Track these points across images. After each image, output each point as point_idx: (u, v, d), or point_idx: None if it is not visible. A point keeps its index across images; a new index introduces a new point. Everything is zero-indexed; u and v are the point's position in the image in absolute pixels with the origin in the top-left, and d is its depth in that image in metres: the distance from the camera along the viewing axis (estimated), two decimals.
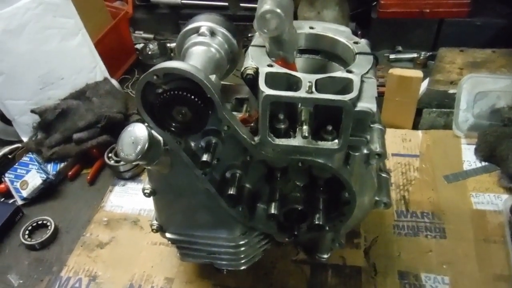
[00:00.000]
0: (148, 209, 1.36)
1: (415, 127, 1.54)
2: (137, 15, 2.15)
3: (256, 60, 0.88)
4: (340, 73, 0.83)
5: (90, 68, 1.63)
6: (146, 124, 0.85)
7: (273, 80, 0.83)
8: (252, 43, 0.93)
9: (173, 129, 0.84)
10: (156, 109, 0.82)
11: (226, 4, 1.92)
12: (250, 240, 1.06)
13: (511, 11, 1.75)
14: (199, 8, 2.05)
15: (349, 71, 0.84)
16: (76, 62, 1.59)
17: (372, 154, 0.89)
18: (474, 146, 1.42)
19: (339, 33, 0.97)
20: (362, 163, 0.92)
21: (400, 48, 1.89)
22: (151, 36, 2.11)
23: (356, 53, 0.89)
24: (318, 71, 1.02)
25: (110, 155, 1.51)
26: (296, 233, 0.98)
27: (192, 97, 0.79)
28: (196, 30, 0.97)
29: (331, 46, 0.96)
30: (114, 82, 1.67)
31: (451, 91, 1.52)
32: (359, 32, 1.96)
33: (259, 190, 1.00)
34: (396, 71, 1.42)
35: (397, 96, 1.44)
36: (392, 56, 1.87)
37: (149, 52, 1.86)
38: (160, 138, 0.87)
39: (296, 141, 0.83)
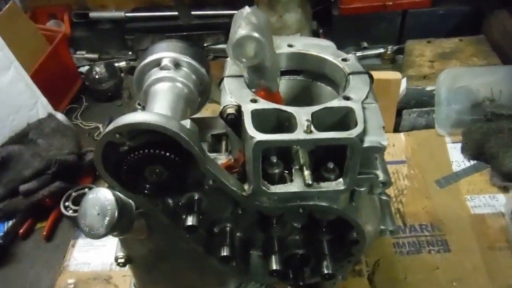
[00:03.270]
0: None
1: (396, 129, 1.46)
2: (77, 34, 1.94)
3: (236, 94, 0.74)
4: (337, 102, 0.71)
5: (29, 105, 1.42)
6: (109, 187, 0.69)
7: (259, 118, 0.69)
8: (227, 73, 0.79)
9: (147, 191, 0.69)
10: (123, 172, 0.66)
11: (176, 13, 1.76)
12: None
13: None
14: (145, 20, 1.87)
15: (347, 98, 0.72)
16: (12, 100, 1.38)
17: (376, 183, 0.78)
18: (459, 145, 1.37)
19: (323, 49, 0.85)
20: (366, 193, 0.81)
21: (365, 44, 1.81)
22: (95, 56, 1.91)
23: (349, 74, 0.77)
24: (301, 94, 0.90)
25: (67, 203, 1.30)
26: (301, 283, 0.85)
27: (167, 154, 0.64)
28: (157, 63, 0.82)
29: (317, 66, 0.84)
30: (60, 116, 1.47)
31: (428, 88, 1.45)
32: (321, 31, 1.87)
33: (251, 237, 0.87)
34: (373, 74, 1.32)
35: None
36: (358, 53, 1.78)
37: (96, 76, 1.67)
38: (131, 201, 0.71)
39: (295, 187, 0.71)
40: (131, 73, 1.71)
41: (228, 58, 0.83)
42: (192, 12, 1.77)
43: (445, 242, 1.15)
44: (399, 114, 1.45)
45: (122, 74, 1.76)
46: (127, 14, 1.85)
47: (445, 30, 1.74)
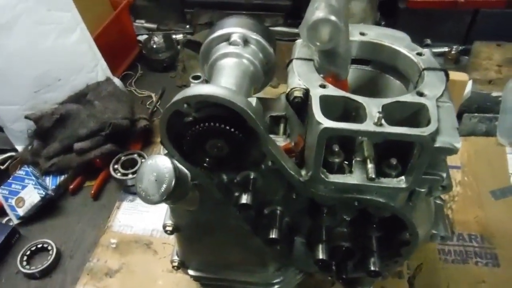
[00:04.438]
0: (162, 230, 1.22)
1: None
2: (138, 2, 1.97)
3: (304, 78, 0.72)
4: (410, 97, 0.68)
5: (90, 67, 1.46)
6: (168, 155, 0.70)
7: (327, 104, 0.67)
8: (296, 54, 0.77)
9: (205, 164, 0.69)
10: (186, 142, 0.67)
11: None
12: (285, 276, 0.93)
13: None
14: None
15: (420, 94, 0.69)
16: (75, 61, 1.42)
17: (437, 185, 0.75)
18: None
19: (397, 40, 0.81)
20: (424, 195, 0.78)
21: (429, 41, 1.73)
22: (154, 26, 1.93)
23: (423, 69, 0.74)
24: (368, 84, 0.87)
25: (116, 166, 1.36)
26: (344, 275, 0.84)
27: (231, 129, 0.64)
28: (226, 38, 0.81)
29: (390, 58, 0.81)
30: (117, 81, 1.51)
31: (494, 93, 1.37)
32: (383, 23, 1.80)
33: (298, 222, 0.86)
34: None
35: None
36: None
37: (154, 46, 1.69)
38: (187, 172, 0.72)
39: (354, 179, 0.69)
40: (187, 46, 1.72)
41: (298, 40, 0.82)
42: None
43: (494, 256, 1.10)
44: (459, 117, 1.39)
45: (179, 47, 1.76)
46: None
47: None
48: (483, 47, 1.61)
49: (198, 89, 0.63)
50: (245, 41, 0.80)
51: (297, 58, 0.76)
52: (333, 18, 0.67)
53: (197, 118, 0.65)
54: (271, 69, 0.85)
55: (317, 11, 0.68)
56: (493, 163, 1.30)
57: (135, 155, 1.39)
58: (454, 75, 1.28)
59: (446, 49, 1.70)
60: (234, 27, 0.81)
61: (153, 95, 1.63)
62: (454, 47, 1.68)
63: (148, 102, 1.62)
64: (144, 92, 1.65)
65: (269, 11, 1.81)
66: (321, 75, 0.74)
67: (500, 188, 1.24)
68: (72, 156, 1.36)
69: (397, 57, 0.80)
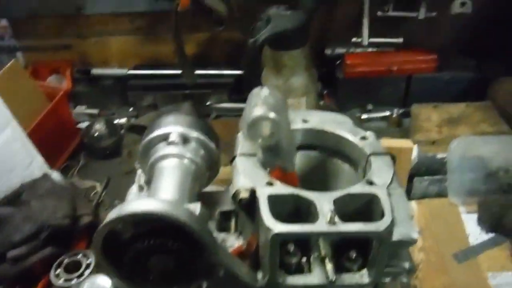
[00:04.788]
0: None
1: (407, 198, 1.39)
2: (78, 88, 1.92)
3: (250, 176, 0.69)
4: (360, 188, 0.66)
5: (24, 165, 1.36)
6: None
7: (276, 203, 0.64)
8: (239, 150, 0.74)
9: (151, 282, 0.62)
10: (125, 262, 0.60)
11: (179, 72, 1.74)
12: None
13: (477, 63, 1.70)
14: (147, 77, 1.85)
15: (370, 182, 0.67)
16: (6, 160, 1.32)
17: (399, 271, 0.72)
18: (474, 215, 1.31)
19: (339, 125, 0.82)
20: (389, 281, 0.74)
21: (370, 106, 1.79)
22: (95, 111, 1.87)
23: (369, 154, 0.73)
24: (316, 169, 0.86)
25: (58, 271, 1.23)
26: None
27: (175, 243, 0.58)
28: (164, 137, 0.77)
29: (335, 143, 0.80)
30: (56, 176, 1.41)
31: (439, 155, 1.41)
32: (325, 92, 1.85)
33: None
34: (383, 142, 1.28)
35: None
36: (364, 116, 1.77)
37: (96, 134, 1.63)
38: None
39: (315, 278, 0.65)
40: (131, 130, 1.67)
41: (240, 134, 0.79)
42: (196, 72, 1.75)
43: None
44: (409, 181, 1.41)
45: (122, 131, 1.71)
46: (130, 72, 1.83)
47: (450, 95, 1.74)
48: (421, 109, 1.68)
49: (132, 206, 0.58)
50: (185, 140, 0.77)
51: (240, 154, 0.73)
52: (271, 115, 0.66)
53: (135, 234, 0.59)
54: (215, 164, 0.82)
55: (255, 109, 0.67)
56: (450, 224, 1.31)
57: (80, 256, 1.27)
58: (400, 142, 1.31)
59: (387, 113, 1.76)
60: (172, 126, 0.78)
61: (97, 185, 1.54)
62: (395, 110, 1.75)
63: (93, 193, 1.52)
64: (88, 182, 1.56)
65: (213, 89, 1.82)
66: (267, 169, 0.71)
67: (462, 251, 1.23)
68: (6, 266, 1.21)
69: (342, 143, 0.79)
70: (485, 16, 1.51)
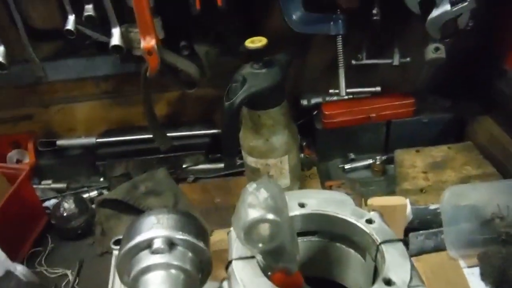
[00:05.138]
0: None
1: None
2: (42, 162, 1.79)
3: (250, 285, 0.59)
4: None
5: None
6: None
7: None
8: (234, 253, 0.66)
9: None
10: None
11: (151, 136, 1.65)
12: None
13: (453, 104, 1.70)
14: (117, 145, 1.74)
15: (388, 281, 0.59)
16: None
17: None
18: (477, 269, 1.24)
19: (340, 206, 0.75)
20: None
21: (352, 155, 1.75)
22: (63, 185, 1.74)
23: (380, 243, 0.65)
24: (318, 255, 0.78)
25: None
26: None
27: None
28: (147, 245, 0.67)
29: (338, 228, 0.72)
30: (20, 270, 1.26)
31: (432, 206, 1.36)
32: (304, 143, 1.80)
33: None
34: (375, 201, 1.23)
35: None
36: (347, 166, 1.71)
37: (64, 214, 1.49)
38: None
39: None
40: (103, 205, 1.55)
41: (232, 233, 0.71)
42: (169, 134, 1.66)
43: None
44: (404, 235, 1.34)
45: (93, 206, 1.58)
46: (99, 140, 1.72)
47: (430, 137, 1.72)
48: (404, 155, 1.65)
49: None
50: (170, 244, 0.67)
51: (236, 259, 0.64)
52: (271, 216, 0.58)
53: None
54: (206, 265, 0.72)
55: (251, 211, 0.58)
56: (453, 281, 1.24)
57: None
58: (393, 200, 1.26)
59: (370, 161, 1.71)
60: (155, 230, 0.68)
61: (68, 272, 1.40)
62: (378, 157, 1.71)
63: (64, 283, 1.37)
64: (58, 270, 1.41)
65: (189, 151, 1.73)
66: (269, 273, 0.62)
67: None
68: None
69: (346, 227, 0.72)
70: (458, 56, 1.50)
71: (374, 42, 1.56)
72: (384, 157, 1.71)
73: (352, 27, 1.49)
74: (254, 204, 0.59)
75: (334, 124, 1.67)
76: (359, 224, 0.70)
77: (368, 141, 1.74)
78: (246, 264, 0.64)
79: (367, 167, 1.72)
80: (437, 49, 1.37)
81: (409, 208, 1.28)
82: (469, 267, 1.27)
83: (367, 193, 1.59)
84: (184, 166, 1.74)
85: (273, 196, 0.59)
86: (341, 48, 1.47)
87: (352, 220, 0.71)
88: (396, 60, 1.53)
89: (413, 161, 1.61)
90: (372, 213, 0.72)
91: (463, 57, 1.61)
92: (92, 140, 1.73)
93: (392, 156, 1.69)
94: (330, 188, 1.61)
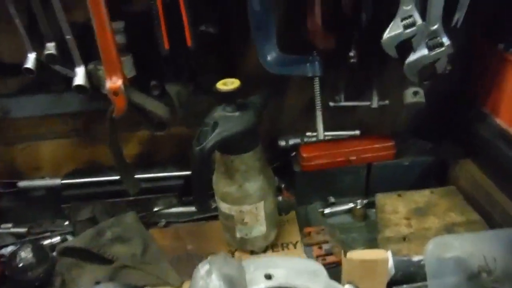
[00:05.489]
0: None
1: None
2: (4, 203, 1.68)
3: None
4: None
5: None
6: None
7: None
8: None
9: None
10: None
11: (118, 178, 1.55)
12: None
13: (433, 146, 1.66)
14: (83, 187, 1.64)
15: None
16: None
17: None
18: None
19: (312, 277, 0.66)
20: None
21: (332, 199, 1.68)
22: (23, 229, 1.62)
23: None
24: None
25: None
26: None
27: None
28: None
29: None
30: None
31: (415, 258, 1.28)
32: (283, 186, 1.72)
33: None
34: (355, 255, 1.15)
35: (360, 284, 1.14)
36: (327, 211, 1.64)
37: (21, 264, 1.37)
38: None
39: None
40: (65, 254, 1.43)
41: None
42: (140, 176, 1.57)
43: None
44: None
45: (54, 253, 1.46)
46: (63, 181, 1.62)
47: (411, 180, 1.67)
48: (386, 200, 1.58)
49: None
50: None
51: None
52: None
53: None
54: None
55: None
56: None
57: None
58: (374, 253, 1.18)
59: (351, 205, 1.64)
60: None
61: None
62: (359, 201, 1.64)
63: None
64: None
65: (161, 193, 1.64)
66: None
67: None
68: None
69: None
70: (437, 99, 1.47)
71: (352, 84, 1.51)
72: (365, 201, 1.65)
73: (329, 69, 1.45)
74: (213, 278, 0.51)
75: (312, 166, 1.61)
76: None
77: (349, 184, 1.68)
78: None
79: (348, 211, 1.65)
80: (416, 93, 1.34)
81: (391, 262, 1.20)
82: None
83: (348, 240, 1.52)
84: (155, 209, 1.64)
85: (227, 280, 0.51)
86: (318, 90, 1.42)
87: None
88: (374, 103, 1.49)
89: (395, 207, 1.55)
90: (347, 286, 0.64)
91: (442, 100, 1.58)
92: (57, 181, 1.63)
93: (373, 200, 1.63)
94: (309, 234, 1.53)
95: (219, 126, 1.19)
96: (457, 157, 1.62)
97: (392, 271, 1.21)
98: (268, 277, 0.65)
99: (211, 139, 1.17)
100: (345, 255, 1.23)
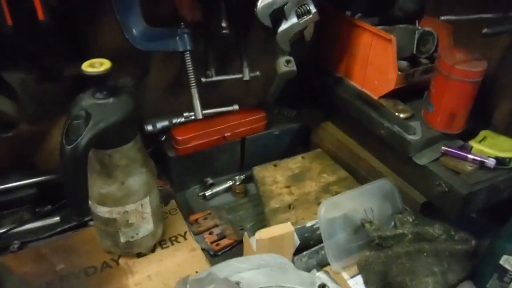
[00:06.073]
0: None
1: None
2: None
3: None
4: None
5: None
6: None
7: None
8: None
9: None
10: None
11: None
12: None
13: (298, 113, 1.74)
14: None
15: None
16: None
17: None
18: (358, 278, 1.27)
19: (281, 274, 0.60)
20: None
21: (210, 180, 1.62)
22: None
23: None
24: None
25: None
26: None
27: None
28: None
29: None
30: None
31: (308, 224, 1.33)
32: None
33: None
34: (264, 234, 1.13)
35: None
36: (208, 193, 1.58)
37: None
38: None
39: None
40: None
41: None
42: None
43: None
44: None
45: None
46: None
47: (282, 148, 1.74)
48: (263, 172, 1.61)
49: None
50: None
51: None
52: None
53: None
54: None
55: None
56: None
57: None
58: (280, 228, 1.18)
59: (230, 183, 1.62)
60: None
61: None
62: (237, 178, 1.63)
63: None
64: None
65: (9, 209, 1.33)
66: None
67: None
68: None
69: None
70: (299, 68, 1.52)
71: (223, 57, 1.45)
72: (243, 177, 1.64)
73: (198, 42, 1.35)
74: None
75: (189, 149, 1.52)
76: None
77: (225, 162, 1.64)
78: None
79: (228, 190, 1.62)
80: (288, 61, 1.35)
81: (295, 234, 1.22)
82: (351, 277, 1.29)
83: (236, 219, 1.49)
84: (2, 230, 1.32)
85: None
86: (190, 65, 1.32)
87: None
88: (246, 75, 1.47)
89: (274, 177, 1.58)
90: (319, 274, 0.60)
91: (303, 68, 1.65)
92: None
93: (250, 174, 1.63)
94: (196, 221, 1.45)
95: (92, 117, 1.00)
96: (319, 121, 1.74)
97: (297, 242, 1.24)
98: (237, 284, 0.57)
99: (86, 134, 0.98)
100: (248, 236, 1.20)
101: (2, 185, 1.33)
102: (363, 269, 1.26)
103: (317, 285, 0.60)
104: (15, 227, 1.33)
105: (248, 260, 0.62)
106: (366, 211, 1.36)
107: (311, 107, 1.77)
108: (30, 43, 1.06)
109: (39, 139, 1.36)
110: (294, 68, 1.39)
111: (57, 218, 1.39)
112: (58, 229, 1.37)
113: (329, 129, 1.72)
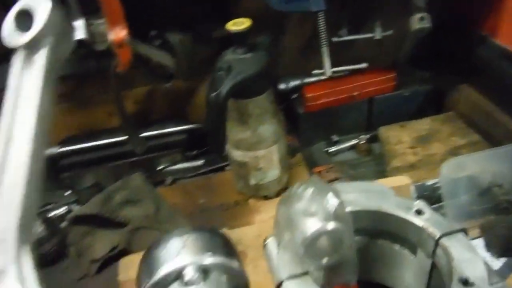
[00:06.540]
0: None
1: None
2: None
3: None
4: None
5: None
6: None
7: None
8: (281, 272, 0.57)
9: None
10: None
11: (120, 139, 1.52)
12: None
13: (431, 75, 1.70)
14: (82, 153, 1.59)
15: (465, 281, 0.54)
16: None
17: None
18: (479, 240, 1.25)
19: (382, 198, 0.69)
20: None
21: (336, 137, 1.71)
22: None
23: (440, 237, 0.60)
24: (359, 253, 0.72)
25: None
26: None
27: None
28: (177, 276, 0.57)
29: (385, 224, 0.66)
30: None
31: (429, 182, 1.34)
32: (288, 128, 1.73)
33: None
34: (379, 182, 1.19)
35: None
36: (332, 149, 1.68)
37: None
38: None
39: None
40: (76, 223, 1.40)
41: (269, 240, 0.63)
42: (140, 135, 1.54)
43: None
44: None
45: (65, 223, 1.43)
46: (62, 149, 1.56)
47: (412, 110, 1.73)
48: (389, 132, 1.64)
49: None
50: (204, 271, 0.58)
51: (289, 278, 0.56)
52: (334, 226, 0.51)
53: None
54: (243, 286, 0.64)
55: (311, 221, 0.51)
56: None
57: None
58: (396, 180, 1.23)
59: (355, 141, 1.69)
60: (183, 256, 0.59)
61: None
62: (362, 137, 1.69)
63: None
64: None
65: (164, 150, 1.62)
66: None
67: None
68: None
69: (395, 223, 0.66)
70: (434, 26, 1.48)
71: (355, 17, 1.50)
72: (368, 136, 1.69)
73: (331, 3, 1.42)
74: (312, 212, 0.51)
75: (317, 106, 1.63)
76: (410, 219, 0.65)
77: (351, 120, 1.72)
78: (300, 283, 0.56)
79: (352, 148, 1.70)
80: (422, 18, 1.34)
81: (412, 187, 1.26)
82: (472, 239, 1.27)
83: (357, 175, 1.57)
84: (159, 167, 1.62)
85: (331, 199, 0.53)
86: (323, 25, 1.40)
87: (401, 214, 0.65)
88: (378, 34, 1.50)
89: (399, 137, 1.61)
90: (418, 202, 0.67)
91: (439, 27, 1.60)
92: (53, 149, 1.56)
93: (376, 134, 1.68)
94: (319, 173, 1.57)
95: (233, 69, 1.17)
96: (455, 83, 1.68)
97: (414, 196, 1.28)
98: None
99: (227, 83, 1.16)
100: None
101: (161, 130, 1.63)
102: (485, 232, 1.24)
103: (414, 210, 0.66)
104: (169, 166, 1.63)
105: (352, 185, 0.71)
106: (496, 174, 1.31)
107: (446, 69, 1.71)
108: (183, 8, 1.27)
109: (190, 93, 1.61)
110: (429, 24, 1.38)
111: (201, 161, 1.65)
112: (202, 171, 1.63)
113: (465, 92, 1.65)
